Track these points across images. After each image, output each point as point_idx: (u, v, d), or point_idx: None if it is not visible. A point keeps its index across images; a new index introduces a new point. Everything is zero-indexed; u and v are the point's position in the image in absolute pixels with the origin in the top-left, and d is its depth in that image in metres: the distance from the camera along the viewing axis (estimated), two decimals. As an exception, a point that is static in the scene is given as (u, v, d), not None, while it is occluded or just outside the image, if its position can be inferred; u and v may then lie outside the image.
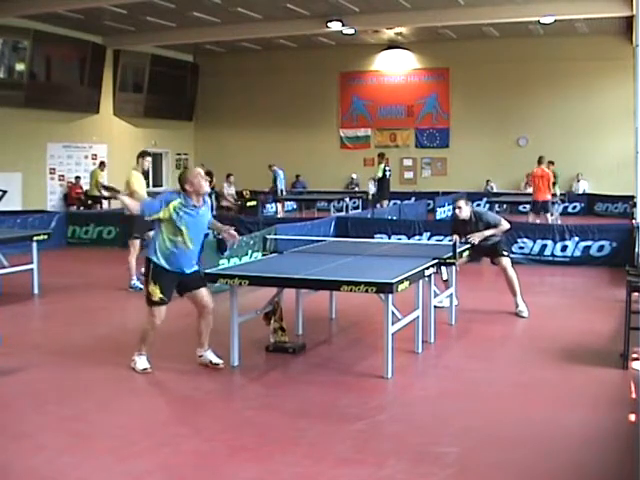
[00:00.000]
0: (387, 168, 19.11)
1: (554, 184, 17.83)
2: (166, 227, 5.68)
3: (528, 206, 16.50)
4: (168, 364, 6.08)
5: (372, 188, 19.63)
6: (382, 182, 18.96)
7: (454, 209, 8.41)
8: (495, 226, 8.13)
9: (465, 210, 8.22)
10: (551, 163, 18.25)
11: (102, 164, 21.74)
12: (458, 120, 24.63)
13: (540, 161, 16.16)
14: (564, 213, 18.35)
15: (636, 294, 6.10)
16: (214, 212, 20.67)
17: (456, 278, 7.66)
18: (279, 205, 20.64)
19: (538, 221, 14.85)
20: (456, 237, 7.70)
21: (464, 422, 4.81)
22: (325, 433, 4.59)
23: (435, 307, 7.10)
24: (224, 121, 26.92)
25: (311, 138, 26.05)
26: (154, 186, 25.85)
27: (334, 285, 5.79)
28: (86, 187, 21.94)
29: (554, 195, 17.40)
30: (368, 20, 20.44)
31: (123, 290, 9.57)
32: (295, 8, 19.17)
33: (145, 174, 9.89)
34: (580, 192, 22.16)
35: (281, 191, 21.08)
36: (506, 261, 8.14)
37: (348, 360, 6.30)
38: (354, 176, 25.31)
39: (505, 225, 8.22)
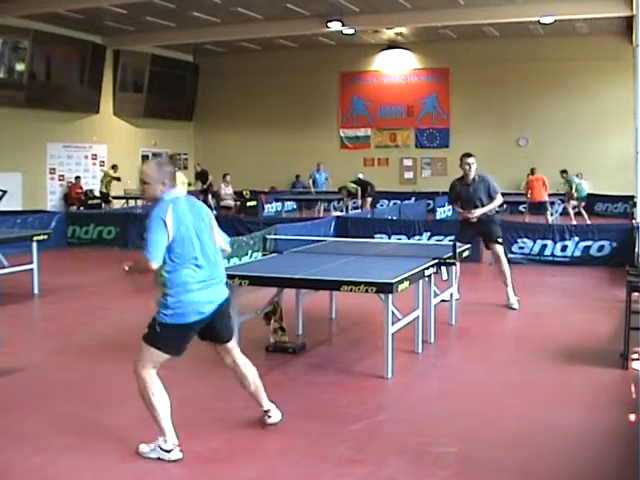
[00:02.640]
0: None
1: (577, 190, 18.17)
2: None
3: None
4: (167, 363, 6.07)
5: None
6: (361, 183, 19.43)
7: (462, 165, 8.20)
8: (494, 194, 8.20)
9: (474, 167, 8.16)
10: (564, 172, 18.56)
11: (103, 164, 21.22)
12: (458, 120, 24.63)
13: (533, 172, 16.96)
14: (564, 213, 18.34)
15: (636, 294, 6.09)
16: (214, 212, 20.60)
17: (456, 278, 7.66)
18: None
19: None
20: (459, 210, 8.08)
21: (464, 422, 4.81)
22: (325, 433, 4.59)
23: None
24: (224, 121, 26.92)
25: (311, 138, 26.05)
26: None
27: (334, 285, 5.79)
28: (86, 187, 21.94)
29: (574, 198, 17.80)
30: (368, 20, 20.46)
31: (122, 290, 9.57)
32: (295, 8, 19.18)
33: None
34: (580, 192, 22.17)
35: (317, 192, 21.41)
36: (500, 248, 8.28)
37: (348, 360, 6.30)
38: (360, 175, 24.94)
39: (500, 199, 8.34)
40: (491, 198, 8.21)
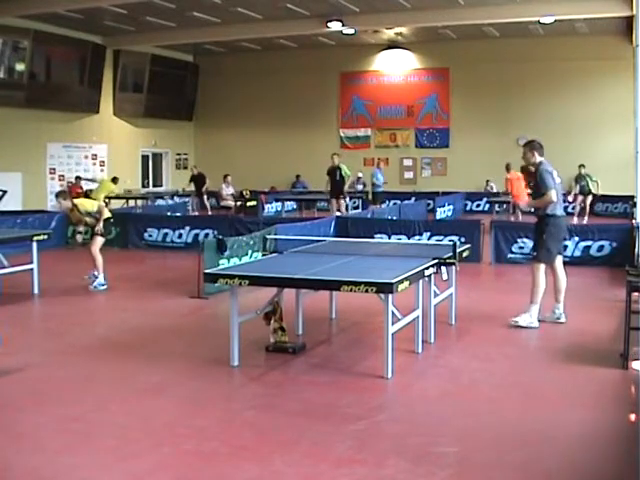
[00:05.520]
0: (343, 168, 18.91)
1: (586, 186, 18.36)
2: None
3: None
4: (168, 364, 6.08)
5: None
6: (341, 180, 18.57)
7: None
8: (541, 190, 7.23)
9: (528, 156, 7.41)
10: (582, 166, 18.67)
11: (115, 179, 20.43)
12: (458, 120, 24.63)
13: (508, 168, 16.90)
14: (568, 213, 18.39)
15: (636, 294, 6.10)
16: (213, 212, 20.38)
17: (456, 278, 7.65)
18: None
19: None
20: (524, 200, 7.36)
21: (464, 422, 4.81)
22: (325, 433, 4.59)
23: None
24: (224, 121, 26.93)
25: (311, 138, 26.05)
26: (154, 186, 25.91)
27: (334, 285, 5.78)
28: (86, 187, 21.91)
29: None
30: (368, 20, 20.46)
31: (122, 289, 9.57)
32: (295, 8, 19.19)
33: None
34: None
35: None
36: (535, 266, 7.46)
37: (348, 360, 6.30)
38: (360, 175, 24.84)
39: (548, 198, 7.21)
40: (540, 194, 7.26)
